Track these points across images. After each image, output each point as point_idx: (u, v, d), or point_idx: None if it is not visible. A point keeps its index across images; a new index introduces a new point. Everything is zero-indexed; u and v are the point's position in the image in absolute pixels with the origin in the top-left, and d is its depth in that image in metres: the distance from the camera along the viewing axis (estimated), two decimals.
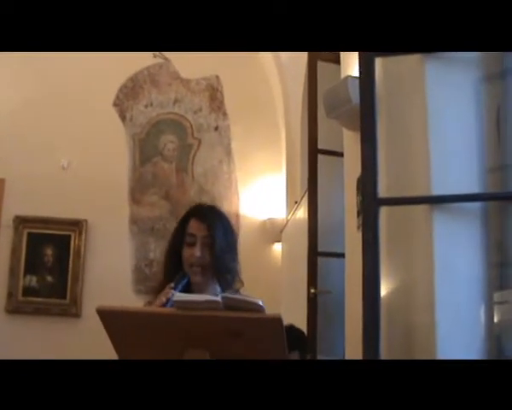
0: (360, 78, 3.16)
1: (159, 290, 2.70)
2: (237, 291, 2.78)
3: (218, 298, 2.10)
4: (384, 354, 2.95)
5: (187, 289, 2.66)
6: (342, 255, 4.56)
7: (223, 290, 2.70)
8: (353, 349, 4.03)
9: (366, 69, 3.12)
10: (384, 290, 3.15)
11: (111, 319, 2.11)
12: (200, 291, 2.65)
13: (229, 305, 2.07)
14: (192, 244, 2.73)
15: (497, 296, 3.09)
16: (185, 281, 2.67)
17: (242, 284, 2.84)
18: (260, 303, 2.08)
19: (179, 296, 2.14)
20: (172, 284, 2.62)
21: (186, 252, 2.75)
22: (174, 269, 2.77)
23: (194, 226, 2.76)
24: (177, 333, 2.08)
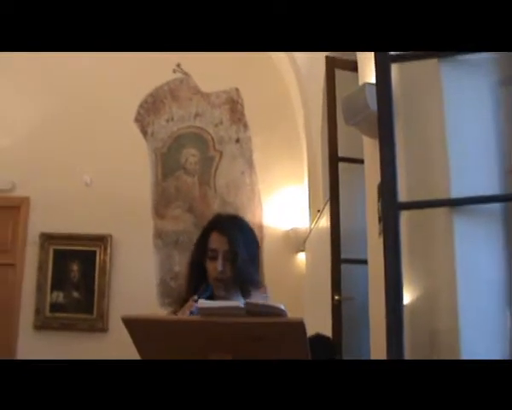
0: (377, 84, 3.19)
1: (182, 302, 2.71)
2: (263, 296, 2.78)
3: (241, 304, 2.12)
4: (407, 353, 2.96)
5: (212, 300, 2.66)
6: (365, 262, 4.56)
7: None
8: (378, 355, 4.03)
9: (382, 75, 3.14)
10: (407, 295, 3.16)
11: (136, 327, 2.15)
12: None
13: (252, 310, 2.10)
14: (214, 258, 2.73)
15: None
16: (208, 293, 2.68)
17: (265, 289, 2.84)
18: (282, 307, 2.10)
19: (203, 303, 2.17)
20: (196, 297, 2.64)
21: (209, 266, 2.75)
22: (197, 281, 2.78)
23: (216, 240, 2.75)
24: (201, 340, 2.11)
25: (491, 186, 3.07)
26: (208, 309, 2.13)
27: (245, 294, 2.73)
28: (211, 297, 2.67)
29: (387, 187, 3.05)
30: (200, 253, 2.80)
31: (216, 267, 2.72)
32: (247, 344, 2.07)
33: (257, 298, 2.60)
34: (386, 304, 3.02)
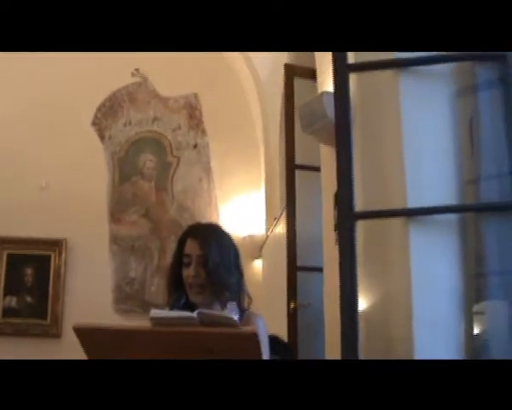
0: (335, 93, 3.19)
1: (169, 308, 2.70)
2: (246, 310, 2.76)
3: (194, 314, 2.11)
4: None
5: (188, 310, 2.63)
6: (321, 269, 4.58)
7: (223, 308, 2.68)
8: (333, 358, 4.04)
9: (340, 84, 3.15)
10: (362, 304, 3.17)
11: (88, 336, 2.11)
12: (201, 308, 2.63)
13: (205, 320, 2.08)
14: (188, 264, 2.72)
15: (475, 308, 3.12)
16: (182, 303, 2.66)
17: (251, 300, 2.82)
18: (235, 318, 2.09)
19: (155, 313, 2.14)
20: (167, 308, 2.62)
21: (184, 273, 2.73)
22: (174, 290, 2.76)
23: (189, 246, 2.74)
24: (152, 349, 2.09)
25: (447, 197, 3.10)
26: (160, 319, 2.11)
27: (222, 299, 2.69)
28: (187, 305, 2.65)
29: (343, 196, 3.05)
30: (177, 260, 2.79)
31: (189, 273, 2.70)
32: (200, 354, 2.05)
33: (232, 306, 2.60)
34: (340, 313, 3.03)
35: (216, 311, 2.50)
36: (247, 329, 2.15)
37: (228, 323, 2.07)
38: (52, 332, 7.45)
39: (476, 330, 3.13)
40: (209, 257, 2.67)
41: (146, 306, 7.50)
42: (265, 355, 2.66)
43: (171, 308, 2.58)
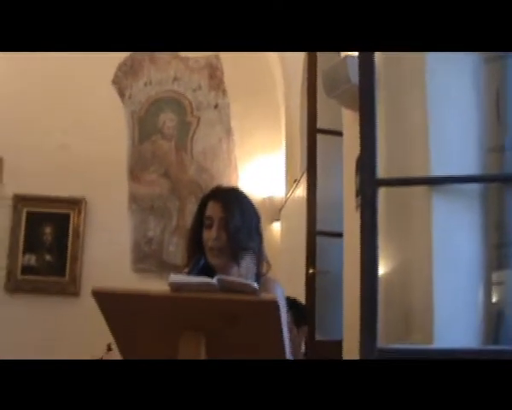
0: (359, 57, 3.14)
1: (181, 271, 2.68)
2: (263, 275, 2.74)
3: (214, 280, 2.08)
4: (381, 334, 2.95)
5: (208, 272, 2.62)
6: (341, 235, 4.55)
7: (241, 272, 2.65)
8: (351, 329, 4.03)
9: None
10: (382, 271, 3.15)
11: (107, 300, 2.10)
12: (220, 272, 2.59)
13: (225, 287, 2.06)
14: (209, 226, 2.68)
15: (495, 277, 3.10)
16: (201, 265, 2.63)
17: (270, 266, 2.79)
18: (255, 286, 2.06)
19: (174, 278, 2.12)
20: (187, 270, 2.61)
21: (205, 235, 2.69)
22: (194, 253, 2.72)
23: (211, 208, 2.71)
24: (173, 315, 2.07)
25: (471, 166, 3.06)
26: (179, 284, 2.08)
27: (239, 262, 2.67)
28: (205, 268, 2.63)
29: (366, 163, 3.01)
30: (197, 222, 2.75)
31: (210, 236, 2.67)
32: (220, 322, 2.03)
33: (248, 269, 2.59)
34: (361, 280, 3.00)
35: (234, 277, 2.47)
36: (267, 296, 2.13)
37: (248, 290, 2.04)
38: (70, 291, 7.50)
39: (495, 299, 3.11)
40: (231, 220, 2.63)
41: (164, 266, 7.54)
42: (284, 322, 2.65)
43: (191, 271, 2.55)
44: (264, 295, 2.12)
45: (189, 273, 2.51)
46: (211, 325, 2.04)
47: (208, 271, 2.60)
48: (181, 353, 2.05)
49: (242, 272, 2.59)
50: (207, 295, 2.03)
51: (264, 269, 2.74)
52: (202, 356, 2.06)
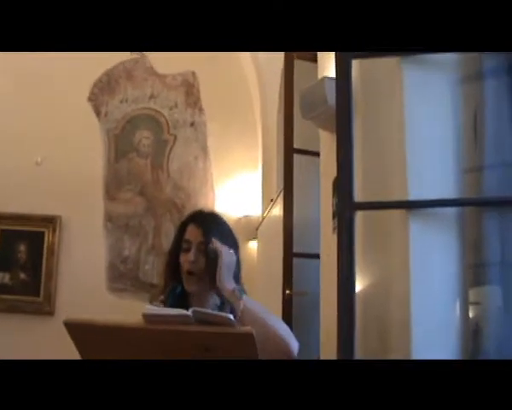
0: (337, 79, 3.12)
1: (157, 299, 2.64)
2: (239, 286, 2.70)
3: (189, 312, 2.05)
4: (358, 355, 2.92)
5: (183, 300, 2.58)
6: (318, 256, 4.53)
7: (222, 301, 2.62)
8: (328, 350, 4.01)
9: (343, 70, 3.07)
10: (360, 293, 3.12)
11: (78, 331, 2.05)
12: (197, 301, 2.56)
13: (200, 319, 2.02)
14: (187, 250, 2.66)
15: (472, 295, 3.10)
16: (177, 292, 2.60)
17: (245, 292, 2.76)
18: (231, 318, 2.03)
19: (149, 310, 2.08)
20: (162, 297, 2.57)
21: (182, 258, 2.67)
22: (172, 277, 2.71)
23: (191, 232, 2.69)
24: (147, 347, 2.03)
25: (449, 188, 3.04)
26: (154, 316, 2.04)
27: (217, 289, 2.64)
28: (182, 295, 2.59)
29: (343, 186, 2.99)
30: (176, 246, 2.73)
31: (187, 259, 2.64)
32: (195, 353, 1.99)
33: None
34: (338, 302, 2.97)
35: (211, 306, 2.45)
36: (242, 329, 2.10)
37: (224, 322, 2.01)
38: (45, 310, 7.43)
39: (472, 316, 3.11)
40: (210, 245, 2.61)
41: (140, 285, 7.50)
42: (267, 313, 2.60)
43: (166, 299, 2.52)
44: (241, 328, 2.09)
45: (165, 301, 2.48)
46: (186, 357, 2.00)
47: (185, 298, 2.57)
48: None
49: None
50: (182, 327, 1.99)
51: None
52: None
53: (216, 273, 2.54)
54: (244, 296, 2.48)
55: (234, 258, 2.58)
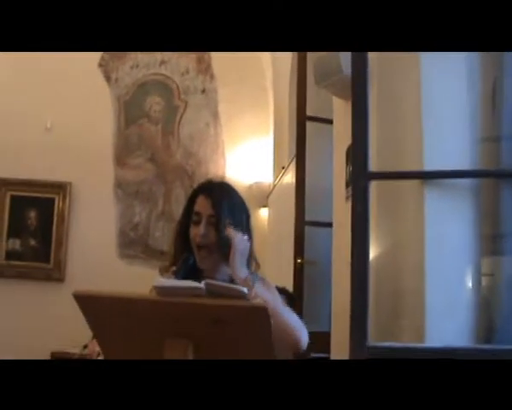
0: None
1: (168, 270, 2.61)
2: (252, 274, 2.67)
3: (201, 284, 2.00)
4: (371, 327, 2.90)
5: (195, 272, 2.54)
6: (330, 225, 4.49)
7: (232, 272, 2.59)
8: (339, 321, 3.99)
9: None
10: (373, 263, 3.10)
11: (88, 303, 2.01)
12: (208, 274, 2.51)
13: (213, 291, 1.98)
14: (197, 223, 2.57)
15: (486, 264, 3.11)
16: (189, 264, 2.55)
17: (259, 265, 2.71)
18: (244, 291, 1.99)
19: (160, 282, 2.03)
20: (174, 268, 2.53)
21: (192, 231, 2.60)
22: (182, 249, 2.62)
23: (201, 204, 2.60)
24: (158, 320, 1.99)
25: (465, 159, 3.01)
26: (165, 288, 2.00)
27: (227, 261, 2.59)
28: (194, 267, 2.55)
29: (358, 156, 2.95)
30: (186, 217, 2.64)
31: (197, 233, 2.56)
32: (206, 327, 1.95)
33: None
34: (351, 274, 2.95)
35: (224, 279, 2.41)
36: (256, 302, 2.06)
37: (237, 295, 1.97)
38: (55, 276, 7.43)
39: (485, 285, 3.15)
40: (221, 218, 2.56)
41: (150, 251, 7.50)
42: (280, 302, 2.58)
43: (178, 271, 2.47)
44: (255, 301, 2.06)
45: (177, 273, 2.44)
46: (198, 331, 1.96)
47: (197, 270, 2.53)
48: (166, 358, 1.98)
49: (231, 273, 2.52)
50: (194, 299, 1.95)
51: (253, 268, 2.67)
52: None
53: (229, 256, 2.52)
54: (256, 285, 2.44)
55: (247, 244, 2.53)
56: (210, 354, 1.98)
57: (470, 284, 3.06)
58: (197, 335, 1.96)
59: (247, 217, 2.68)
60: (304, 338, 2.41)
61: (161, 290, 1.99)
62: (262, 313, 1.89)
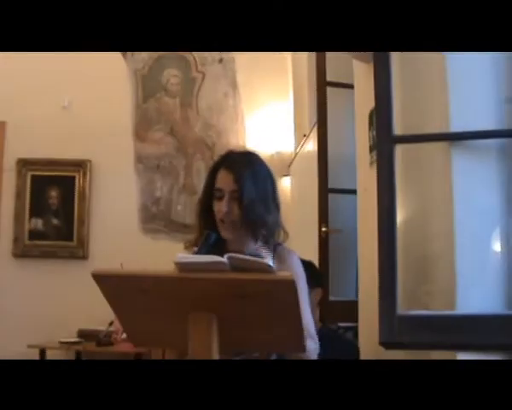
0: None
1: (194, 246, 2.55)
2: (279, 245, 2.61)
3: (224, 259, 1.93)
4: (400, 295, 2.83)
5: (220, 246, 2.47)
6: (354, 192, 4.42)
7: (258, 246, 2.53)
8: (367, 290, 3.94)
9: None
10: (401, 230, 3.02)
11: (108, 282, 1.95)
12: (234, 248, 2.45)
13: (237, 265, 1.91)
14: (220, 198, 2.53)
15: None
16: (211, 241, 2.47)
17: (287, 235, 2.64)
18: (270, 263, 1.92)
19: (181, 258, 1.96)
20: (195, 249, 2.46)
21: (215, 206, 2.55)
22: (206, 225, 2.58)
23: (222, 179, 2.55)
24: (180, 297, 1.92)
25: (492, 120, 2.90)
26: (187, 264, 1.93)
27: (257, 236, 2.55)
28: (217, 242, 2.47)
29: (382, 119, 2.86)
30: (208, 192, 2.59)
31: (220, 209, 2.52)
32: (232, 302, 1.89)
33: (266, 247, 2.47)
34: (378, 240, 2.87)
35: (250, 252, 2.34)
36: (282, 274, 1.99)
37: (262, 268, 1.90)
38: (79, 254, 7.45)
39: None
40: (244, 194, 2.46)
41: (172, 225, 7.47)
42: (304, 290, 2.52)
43: (200, 249, 2.40)
44: (281, 274, 1.99)
45: (198, 252, 2.37)
46: (222, 306, 1.90)
47: (221, 245, 2.46)
48: (192, 334, 1.92)
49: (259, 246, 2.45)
50: (217, 274, 1.88)
51: (282, 238, 2.60)
52: (214, 336, 1.93)
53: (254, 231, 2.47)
54: None
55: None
56: (235, 328, 1.93)
57: (500, 249, 2.96)
58: (222, 309, 1.91)
59: (273, 186, 2.61)
60: (309, 344, 2.30)
61: (183, 266, 1.93)
62: (289, 286, 1.83)
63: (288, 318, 1.92)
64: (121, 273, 1.99)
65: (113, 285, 1.94)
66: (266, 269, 1.89)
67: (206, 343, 1.91)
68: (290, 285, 1.82)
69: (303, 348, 2.10)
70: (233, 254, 1.96)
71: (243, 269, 1.90)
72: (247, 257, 2.00)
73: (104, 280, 1.94)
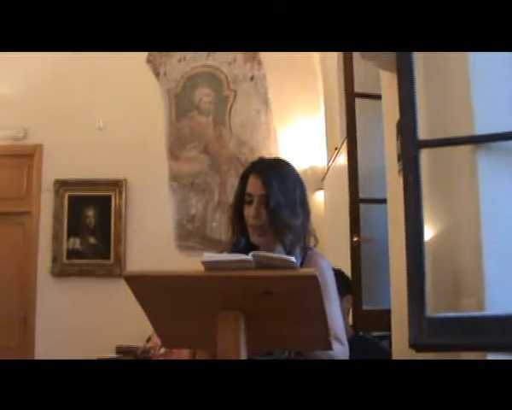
0: None
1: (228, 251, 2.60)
2: (310, 249, 2.64)
3: (249, 256, 1.98)
4: (430, 301, 2.84)
5: (248, 251, 2.53)
6: (384, 201, 4.44)
7: (286, 251, 2.53)
8: (399, 297, 3.93)
9: None
10: (428, 235, 3.04)
11: (139, 282, 2.02)
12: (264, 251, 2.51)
13: (261, 263, 1.96)
14: (250, 203, 2.58)
15: None
16: (241, 245, 2.52)
17: (317, 240, 2.68)
18: (293, 260, 1.96)
19: (207, 257, 2.03)
20: (225, 253, 2.51)
21: (246, 211, 2.60)
22: (237, 230, 2.65)
23: (252, 184, 2.60)
24: (208, 295, 1.98)
25: None
26: (213, 263, 1.99)
27: (284, 241, 2.56)
28: (247, 246, 2.51)
29: (406, 124, 2.89)
30: (238, 198, 2.65)
31: (250, 212, 2.57)
32: (257, 299, 1.94)
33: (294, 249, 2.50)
34: (406, 244, 2.90)
35: (274, 253, 2.38)
36: (305, 270, 2.03)
37: (286, 264, 1.94)
38: (116, 272, 7.54)
39: None
40: (271, 197, 2.51)
41: (208, 242, 7.53)
42: (333, 294, 2.55)
43: (231, 251, 2.46)
44: (304, 269, 2.03)
45: None
46: (248, 303, 1.95)
47: (250, 251, 2.51)
48: (220, 332, 1.97)
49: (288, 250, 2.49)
50: (242, 272, 1.94)
51: (312, 243, 2.64)
52: (242, 334, 1.98)
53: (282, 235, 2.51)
54: None
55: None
56: (261, 325, 1.98)
57: None
58: (248, 307, 1.96)
59: (302, 192, 2.64)
60: (335, 346, 2.31)
61: (209, 265, 1.99)
62: (312, 282, 1.87)
63: (313, 313, 1.96)
64: (150, 274, 2.06)
65: (143, 286, 2.01)
66: (290, 265, 1.93)
67: (234, 341, 1.96)
68: (313, 280, 1.86)
69: (329, 346, 2.12)
70: (257, 252, 2.01)
71: (268, 266, 1.95)
72: (271, 254, 2.05)
73: (134, 281, 2.00)
